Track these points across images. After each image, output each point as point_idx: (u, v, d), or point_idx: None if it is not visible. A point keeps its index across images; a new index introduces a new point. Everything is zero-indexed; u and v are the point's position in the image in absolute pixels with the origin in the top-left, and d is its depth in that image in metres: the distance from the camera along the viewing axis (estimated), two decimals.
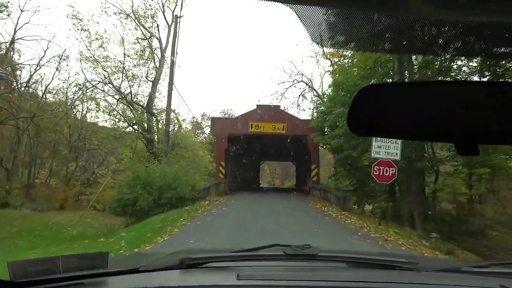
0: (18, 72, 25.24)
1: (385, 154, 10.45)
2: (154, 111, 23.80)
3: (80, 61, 23.80)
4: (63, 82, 24.94)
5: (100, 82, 24.12)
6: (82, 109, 29.02)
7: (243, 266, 1.42)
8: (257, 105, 19.69)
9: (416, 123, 0.80)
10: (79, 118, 28.68)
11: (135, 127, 24.81)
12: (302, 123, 19.51)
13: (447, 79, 10.48)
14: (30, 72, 24.29)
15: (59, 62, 23.70)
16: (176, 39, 17.12)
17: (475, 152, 0.80)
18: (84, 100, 25.49)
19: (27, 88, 24.90)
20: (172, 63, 16.54)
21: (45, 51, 27.30)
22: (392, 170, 10.35)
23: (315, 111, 20.00)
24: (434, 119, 0.78)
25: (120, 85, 22.91)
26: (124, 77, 23.96)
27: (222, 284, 1.23)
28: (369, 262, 1.53)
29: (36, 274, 1.12)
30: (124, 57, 24.40)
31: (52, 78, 25.02)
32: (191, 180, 16.10)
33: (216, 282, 1.26)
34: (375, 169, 10.51)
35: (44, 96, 27.57)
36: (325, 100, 18.81)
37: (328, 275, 1.33)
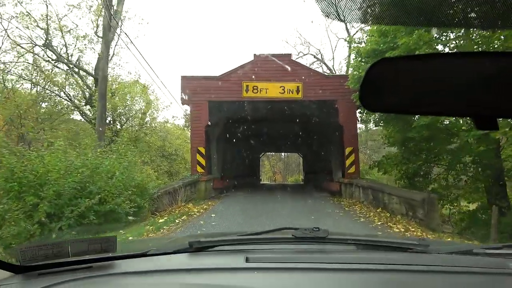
0: None
1: None
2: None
3: None
4: None
5: (31, 43, 16.67)
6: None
7: (251, 249, 1.36)
8: (255, 55, 12.29)
9: (433, 97, 0.77)
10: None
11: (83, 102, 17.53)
12: (328, 82, 12.15)
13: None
14: None
15: None
16: None
17: (494, 127, 0.75)
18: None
19: None
20: None
21: None
22: None
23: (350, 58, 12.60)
24: (451, 92, 0.75)
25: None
26: (62, 33, 16.59)
27: (231, 266, 1.19)
28: (380, 244, 1.48)
29: (45, 258, 1.10)
30: None
31: None
32: (137, 178, 8.73)
33: (225, 264, 1.22)
34: None
35: None
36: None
37: (338, 258, 1.29)
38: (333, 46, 46.69)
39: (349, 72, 13.64)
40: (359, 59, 9.69)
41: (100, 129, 10.03)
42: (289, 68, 11.94)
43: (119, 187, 7.83)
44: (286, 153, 45.08)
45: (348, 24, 27.03)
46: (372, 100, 0.79)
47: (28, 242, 6.23)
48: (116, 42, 18.53)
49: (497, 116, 0.76)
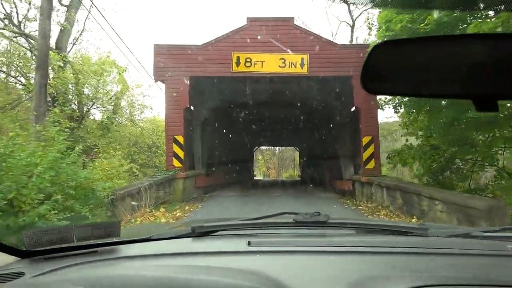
0: None
1: None
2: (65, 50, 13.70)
3: None
4: None
5: None
6: None
7: (253, 234, 1.38)
8: (248, 19, 9.68)
9: (434, 80, 0.77)
10: None
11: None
12: (342, 53, 9.57)
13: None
14: None
15: None
16: None
17: (494, 108, 0.74)
18: None
19: None
20: None
21: None
22: None
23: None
24: (452, 74, 0.75)
25: None
26: None
27: (234, 250, 1.18)
28: (380, 228, 1.48)
29: (51, 243, 1.12)
30: None
31: None
32: (80, 175, 6.13)
33: (227, 248, 1.21)
34: None
35: None
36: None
37: (338, 241, 1.27)
38: (333, 30, 44.06)
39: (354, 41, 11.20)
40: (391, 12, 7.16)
41: (39, 108, 7.37)
42: (291, 35, 9.38)
43: (44, 189, 5.24)
44: (280, 147, 42.57)
45: (353, 5, 24.42)
46: (374, 82, 0.79)
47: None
48: (87, 16, 15.87)
49: (497, 98, 0.75)
